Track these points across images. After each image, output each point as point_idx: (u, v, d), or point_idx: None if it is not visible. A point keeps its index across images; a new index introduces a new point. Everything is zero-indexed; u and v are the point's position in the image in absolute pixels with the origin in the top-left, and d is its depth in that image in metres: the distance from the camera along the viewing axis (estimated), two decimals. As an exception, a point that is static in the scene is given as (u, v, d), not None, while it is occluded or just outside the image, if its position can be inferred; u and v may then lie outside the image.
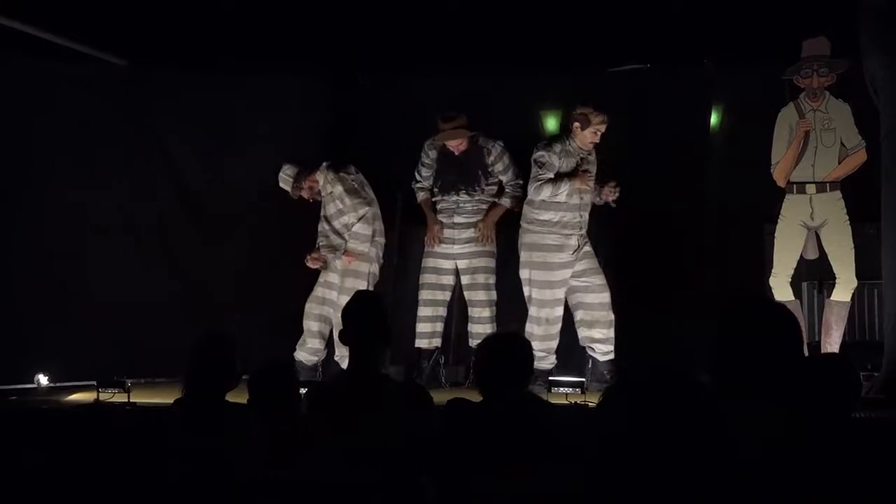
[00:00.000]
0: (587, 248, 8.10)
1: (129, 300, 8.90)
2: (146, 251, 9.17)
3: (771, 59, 8.44)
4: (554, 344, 8.03)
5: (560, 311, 8.06)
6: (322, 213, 8.46)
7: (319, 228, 8.44)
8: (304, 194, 8.35)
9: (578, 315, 8.10)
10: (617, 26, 8.78)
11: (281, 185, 8.38)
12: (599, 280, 8.08)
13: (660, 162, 8.79)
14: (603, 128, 7.90)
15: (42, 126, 8.82)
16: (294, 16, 8.85)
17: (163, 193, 9.32)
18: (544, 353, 7.87)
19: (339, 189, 8.26)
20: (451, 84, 9.08)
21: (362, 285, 8.08)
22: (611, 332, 8.05)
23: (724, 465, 2.12)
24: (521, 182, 8.30)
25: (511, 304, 8.40)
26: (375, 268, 8.34)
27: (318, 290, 8.38)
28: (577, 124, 7.91)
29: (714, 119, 9.03)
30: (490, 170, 8.37)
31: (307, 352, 8.33)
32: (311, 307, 8.36)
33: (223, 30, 8.89)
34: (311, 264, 8.33)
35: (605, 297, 8.06)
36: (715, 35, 8.66)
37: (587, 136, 7.93)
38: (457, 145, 8.32)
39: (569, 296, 8.09)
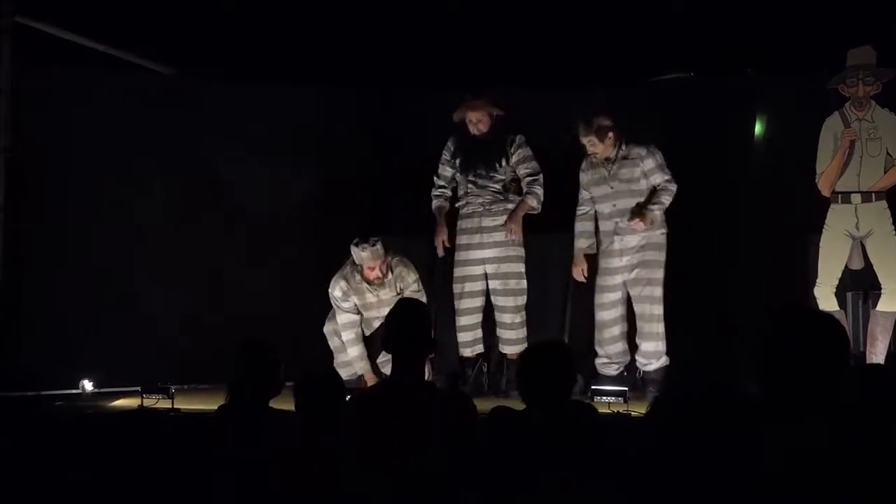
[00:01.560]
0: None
1: (173, 306, 8.96)
2: (190, 258, 9.21)
3: (815, 67, 8.40)
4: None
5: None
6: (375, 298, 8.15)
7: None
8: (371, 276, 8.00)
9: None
10: (659, 36, 8.77)
11: (366, 256, 7.89)
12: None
13: (703, 172, 8.76)
14: (584, 140, 7.94)
15: (88, 134, 8.87)
16: (335, 29, 8.93)
17: (206, 202, 9.36)
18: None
19: (411, 278, 8.11)
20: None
21: None
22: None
23: (768, 478, 2.11)
24: (539, 178, 8.15)
25: (537, 311, 8.41)
26: None
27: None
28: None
29: (758, 129, 8.99)
30: (510, 158, 8.18)
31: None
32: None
33: (267, 40, 8.97)
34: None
35: None
36: (759, 44, 8.63)
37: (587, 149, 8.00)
38: (477, 121, 8.15)
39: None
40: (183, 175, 9.26)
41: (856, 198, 8.06)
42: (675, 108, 9.08)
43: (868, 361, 7.82)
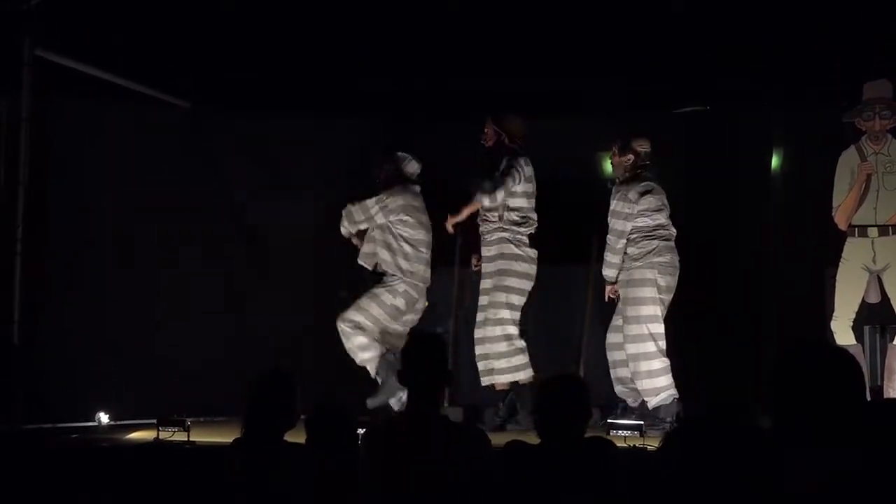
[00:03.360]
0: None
1: (190, 338, 8.98)
2: (206, 290, 9.25)
3: (832, 101, 8.40)
4: None
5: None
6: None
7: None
8: None
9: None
10: (677, 68, 8.80)
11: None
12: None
13: (720, 204, 8.75)
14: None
15: (105, 167, 8.93)
16: (351, 60, 8.97)
17: (222, 234, 9.40)
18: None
19: None
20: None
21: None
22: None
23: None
24: (500, 180, 7.93)
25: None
26: None
27: None
28: None
29: (775, 162, 8.99)
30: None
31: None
32: None
33: (282, 72, 9.03)
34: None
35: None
36: (776, 77, 8.64)
37: None
38: (486, 135, 8.10)
39: None
40: (199, 207, 9.29)
41: (873, 231, 8.04)
42: (691, 140, 9.08)
43: (886, 396, 7.78)
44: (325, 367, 8.51)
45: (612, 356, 8.09)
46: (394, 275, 8.21)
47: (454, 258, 8.69)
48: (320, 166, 9.48)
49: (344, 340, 8.17)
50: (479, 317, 8.16)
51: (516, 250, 8.03)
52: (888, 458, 3.52)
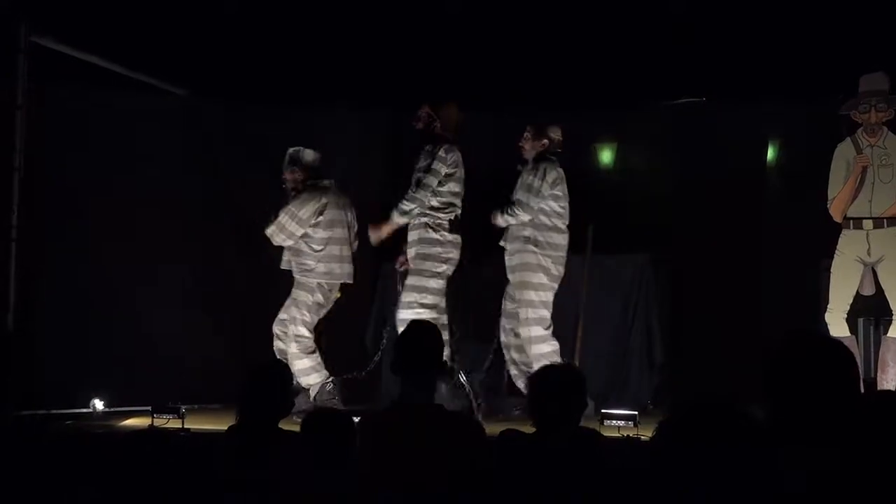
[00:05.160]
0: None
1: (184, 326, 8.98)
2: (201, 278, 9.25)
3: (828, 93, 8.41)
4: None
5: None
6: None
7: None
8: None
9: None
10: (672, 59, 8.80)
11: None
12: None
13: (714, 196, 8.76)
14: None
15: (101, 154, 8.93)
16: (354, 50, 8.97)
17: (218, 222, 9.40)
18: None
19: None
20: (499, 120, 9.08)
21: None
22: None
23: (777, 501, 2.11)
24: (413, 192, 7.96)
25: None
26: None
27: None
28: None
29: (770, 154, 8.99)
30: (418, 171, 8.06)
31: None
32: None
33: (283, 62, 9.02)
34: None
35: None
36: (771, 69, 8.64)
37: None
38: (419, 118, 8.09)
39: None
40: (195, 195, 9.29)
41: (868, 224, 8.04)
42: (687, 132, 9.09)
43: (879, 388, 7.79)
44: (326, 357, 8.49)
45: (506, 340, 8.20)
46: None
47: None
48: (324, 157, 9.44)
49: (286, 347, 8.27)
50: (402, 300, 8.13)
51: (434, 235, 8.02)
52: (880, 452, 3.53)
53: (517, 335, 8.08)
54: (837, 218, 8.12)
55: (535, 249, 7.97)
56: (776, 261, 8.80)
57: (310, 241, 8.28)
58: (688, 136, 9.09)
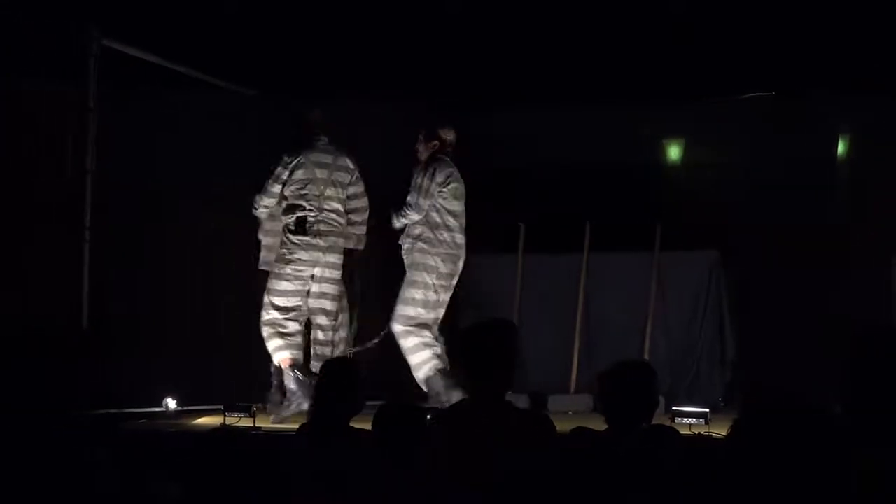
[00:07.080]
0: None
1: (257, 326, 9.02)
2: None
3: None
4: None
5: None
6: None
7: None
8: None
9: None
10: (744, 53, 8.73)
11: None
12: None
13: (786, 191, 8.67)
14: None
15: (171, 155, 9.00)
16: (411, 47, 9.01)
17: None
18: None
19: None
20: (567, 115, 9.06)
21: None
22: None
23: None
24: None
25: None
26: None
27: None
28: None
29: (841, 148, 8.89)
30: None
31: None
32: None
33: (345, 59, 9.06)
34: None
35: None
36: (843, 63, 8.54)
37: None
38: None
39: None
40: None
41: (943, 218, 7.95)
42: (756, 126, 9.01)
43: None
44: (391, 355, 8.49)
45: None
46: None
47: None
48: (390, 151, 9.43)
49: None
50: None
51: (284, 237, 8.12)
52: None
53: None
54: (911, 212, 8.03)
55: (425, 247, 8.08)
56: (848, 255, 8.70)
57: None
58: (757, 131, 9.01)
